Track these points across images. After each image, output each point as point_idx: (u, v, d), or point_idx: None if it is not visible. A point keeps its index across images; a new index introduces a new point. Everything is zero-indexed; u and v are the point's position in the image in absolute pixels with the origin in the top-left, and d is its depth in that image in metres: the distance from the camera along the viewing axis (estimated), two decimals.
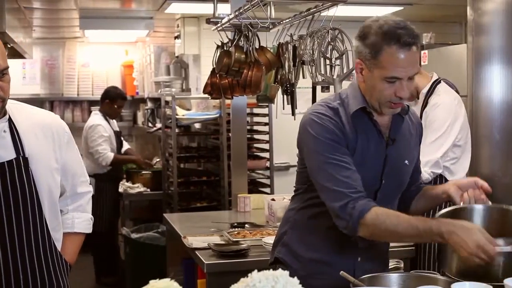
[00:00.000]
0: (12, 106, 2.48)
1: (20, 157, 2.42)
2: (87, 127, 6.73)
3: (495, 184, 3.29)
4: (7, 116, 2.44)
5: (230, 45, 4.26)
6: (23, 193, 2.40)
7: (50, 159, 2.52)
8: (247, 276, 1.83)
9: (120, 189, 6.83)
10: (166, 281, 1.89)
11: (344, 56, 3.56)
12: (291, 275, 1.85)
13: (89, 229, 2.74)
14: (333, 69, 3.65)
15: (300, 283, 1.81)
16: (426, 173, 3.54)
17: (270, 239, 3.28)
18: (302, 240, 2.56)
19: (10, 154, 2.41)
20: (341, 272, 2.21)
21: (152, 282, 1.89)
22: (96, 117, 6.78)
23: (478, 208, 2.41)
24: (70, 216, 2.67)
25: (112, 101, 6.83)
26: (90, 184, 2.80)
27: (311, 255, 2.52)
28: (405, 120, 2.51)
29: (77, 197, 2.70)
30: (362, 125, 2.41)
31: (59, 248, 2.57)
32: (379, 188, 2.43)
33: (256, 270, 1.85)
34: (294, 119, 3.83)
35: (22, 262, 2.42)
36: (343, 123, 2.39)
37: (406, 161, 2.48)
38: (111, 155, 6.67)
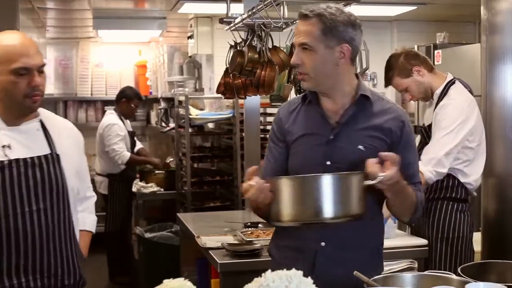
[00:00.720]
0: (39, 110, 2.63)
1: (53, 153, 2.56)
2: (103, 126, 6.72)
3: (509, 185, 3.27)
4: (39, 117, 2.60)
5: (243, 45, 4.26)
6: (57, 186, 2.54)
7: (72, 161, 2.66)
8: (261, 276, 1.84)
9: (134, 189, 6.85)
10: (180, 280, 1.91)
11: (357, 55, 3.55)
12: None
13: (94, 229, 2.94)
14: None
15: None
16: (428, 171, 3.51)
17: None
18: (285, 230, 2.58)
19: (45, 150, 2.56)
20: (355, 272, 2.19)
21: (166, 281, 1.91)
22: (111, 116, 6.77)
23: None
24: (81, 216, 2.82)
25: (129, 100, 6.82)
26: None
27: (284, 242, 2.58)
28: (366, 109, 2.52)
29: (85, 200, 2.89)
30: (311, 110, 2.57)
31: None
32: (326, 169, 2.43)
33: (269, 270, 1.86)
34: None
35: (54, 252, 2.54)
36: (291, 113, 2.59)
37: (360, 146, 2.46)
38: (127, 154, 6.67)
